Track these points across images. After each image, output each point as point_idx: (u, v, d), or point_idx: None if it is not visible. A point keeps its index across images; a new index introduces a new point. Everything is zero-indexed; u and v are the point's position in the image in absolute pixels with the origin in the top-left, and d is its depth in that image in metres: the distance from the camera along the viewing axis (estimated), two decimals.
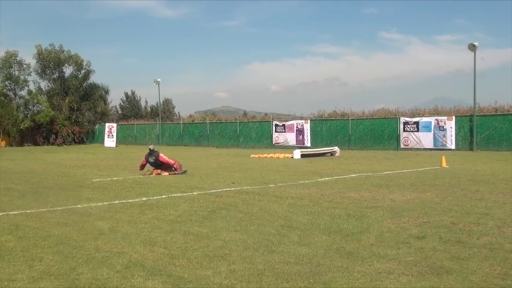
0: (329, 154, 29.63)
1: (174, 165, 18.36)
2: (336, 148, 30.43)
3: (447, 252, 6.62)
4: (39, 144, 52.65)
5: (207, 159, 28.10)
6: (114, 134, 50.84)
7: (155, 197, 12.34)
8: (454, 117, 32.64)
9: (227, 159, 27.84)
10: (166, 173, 18.00)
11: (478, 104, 33.23)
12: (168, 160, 18.41)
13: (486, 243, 7.07)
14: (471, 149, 31.38)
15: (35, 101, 54.37)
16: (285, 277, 5.66)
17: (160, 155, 18.30)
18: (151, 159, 18.41)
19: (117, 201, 11.74)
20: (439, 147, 32.09)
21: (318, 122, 40.26)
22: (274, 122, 42.19)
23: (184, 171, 18.37)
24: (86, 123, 57.29)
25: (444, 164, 20.13)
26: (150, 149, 18.82)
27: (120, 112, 73.05)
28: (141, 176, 17.74)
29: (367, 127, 37.19)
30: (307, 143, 39.10)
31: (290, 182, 15.35)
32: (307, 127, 39.64)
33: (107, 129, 51.60)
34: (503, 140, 30.95)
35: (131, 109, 73.30)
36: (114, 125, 52.10)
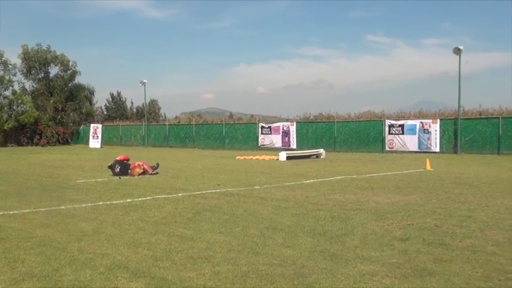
0: (315, 156, 29.72)
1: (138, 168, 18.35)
2: (321, 150, 30.52)
3: (430, 255, 6.66)
4: (23, 145, 52.13)
5: (193, 160, 28.04)
6: (99, 135, 50.53)
7: (140, 199, 12.29)
8: (438, 120, 32.88)
9: (212, 160, 27.80)
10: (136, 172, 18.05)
11: (462, 107, 33.52)
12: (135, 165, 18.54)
13: (469, 246, 7.13)
14: (455, 152, 31.61)
15: (19, 101, 53.77)
16: (269, 279, 5.66)
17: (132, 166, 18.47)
18: (117, 169, 18.43)
19: (101, 203, 11.67)
20: (424, 150, 32.29)
21: (304, 124, 40.33)
22: (260, 124, 42.19)
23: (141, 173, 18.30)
24: (71, 124, 56.86)
25: (428, 167, 20.26)
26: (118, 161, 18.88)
27: (105, 113, 72.66)
28: (125, 177, 17.64)
29: (353, 129, 37.33)
30: (293, 145, 39.15)
31: (275, 184, 15.37)
32: (293, 129, 39.70)
33: (91, 130, 51.25)
34: (487, 143, 31.23)
35: (117, 110, 72.93)
36: (99, 125, 51.78)
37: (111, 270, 6.06)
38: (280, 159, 27.42)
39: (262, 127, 41.77)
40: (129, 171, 18.18)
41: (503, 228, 8.33)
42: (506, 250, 6.84)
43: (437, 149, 32.26)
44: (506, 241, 7.38)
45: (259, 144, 41.45)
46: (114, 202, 11.77)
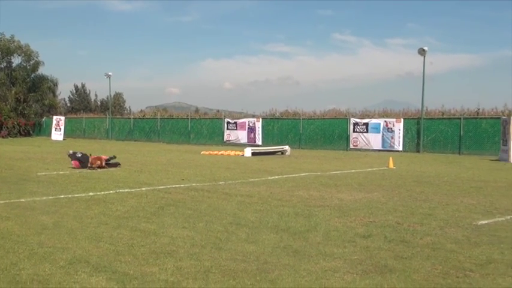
0: (280, 153, 29.81)
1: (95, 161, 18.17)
2: (286, 147, 30.65)
3: (391, 251, 6.75)
4: None
5: (157, 154, 27.83)
6: (62, 127, 49.65)
7: (102, 192, 12.13)
8: (402, 120, 33.36)
9: (177, 155, 27.64)
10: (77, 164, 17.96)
11: (425, 107, 34.15)
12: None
13: (429, 243, 7.25)
14: (418, 151, 32.13)
15: None
16: (232, 274, 5.65)
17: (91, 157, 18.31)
18: (79, 154, 18.32)
19: (62, 196, 11.48)
20: (387, 149, 32.72)
21: (269, 121, 40.43)
22: (226, 120, 42.13)
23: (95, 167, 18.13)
24: (33, 116, 55.75)
25: (391, 165, 20.54)
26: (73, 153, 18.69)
27: (69, 105, 71.63)
28: (88, 170, 17.41)
29: (318, 127, 37.58)
30: (259, 141, 39.21)
31: (240, 179, 15.36)
32: (258, 125, 39.74)
33: (54, 122, 50.32)
34: (448, 143, 31.83)
35: (80, 102, 71.97)
36: (62, 118, 50.89)
37: (72, 265, 5.97)
38: (245, 155, 27.42)
39: (228, 123, 41.70)
40: (89, 163, 17.95)
41: (462, 226, 8.50)
42: (465, 248, 6.98)
43: (401, 148, 32.72)
44: (465, 239, 7.53)
45: (225, 140, 41.39)
46: (76, 195, 11.60)
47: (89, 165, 17.94)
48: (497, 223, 8.83)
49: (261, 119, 40.19)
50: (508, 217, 9.40)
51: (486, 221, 8.96)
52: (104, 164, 18.22)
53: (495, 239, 7.55)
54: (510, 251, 6.81)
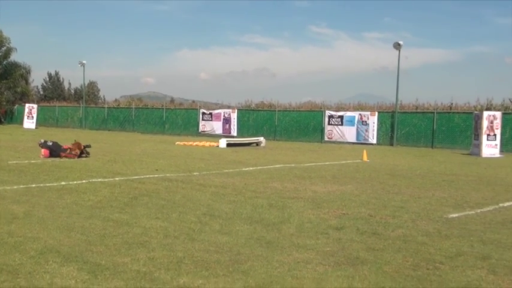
0: (255, 144, 29.84)
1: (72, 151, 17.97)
2: (261, 138, 30.69)
3: (363, 243, 6.81)
4: None
5: (131, 144, 27.61)
6: (35, 116, 48.92)
7: (75, 182, 12.00)
8: (376, 113, 33.66)
9: (152, 145, 27.47)
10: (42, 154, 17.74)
11: (400, 101, 34.46)
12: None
13: (400, 236, 7.33)
14: (391, 144, 32.44)
15: None
16: (204, 265, 5.65)
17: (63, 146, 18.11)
18: (50, 143, 18.12)
19: (34, 185, 11.33)
20: (361, 142, 32.98)
21: (245, 112, 40.40)
22: (201, 110, 41.98)
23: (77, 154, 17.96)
24: (5, 103, 54.85)
25: (365, 158, 20.70)
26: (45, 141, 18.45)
27: (42, 93, 70.66)
28: (61, 159, 17.19)
29: (293, 119, 37.69)
30: (234, 132, 39.18)
31: (214, 170, 15.34)
32: (234, 116, 39.69)
33: (26, 110, 49.54)
34: (422, 137, 32.21)
35: (54, 90, 71.04)
36: (35, 106, 50.12)
37: (42, 254, 5.90)
38: (220, 146, 27.39)
39: (203, 113, 41.57)
40: (62, 152, 17.73)
41: (433, 219, 8.61)
42: (435, 240, 7.07)
43: (375, 141, 33.01)
44: (435, 232, 7.63)
45: (200, 131, 41.27)
46: (47, 185, 11.45)
47: (68, 152, 17.72)
48: (467, 216, 8.97)
49: (236, 110, 40.15)
50: (478, 210, 9.55)
51: (457, 214, 9.10)
52: (82, 148, 18.04)
53: (465, 232, 7.67)
54: (479, 244, 6.92)
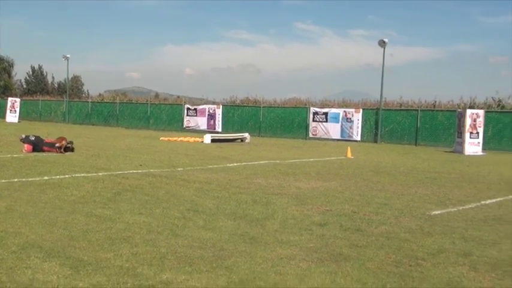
0: (239, 140, 29.82)
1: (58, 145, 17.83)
2: (246, 134, 30.68)
3: (346, 240, 6.84)
4: None
5: (115, 139, 27.46)
6: (17, 109, 48.46)
7: (58, 177, 11.91)
8: (361, 110, 33.80)
9: (136, 140, 27.34)
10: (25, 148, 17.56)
11: (384, 98, 34.61)
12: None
13: (383, 232, 7.37)
14: (375, 141, 32.61)
15: None
16: (188, 261, 5.63)
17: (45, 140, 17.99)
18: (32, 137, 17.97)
19: (16, 179, 11.21)
20: (346, 138, 33.11)
21: (230, 108, 40.39)
22: (186, 106, 41.88)
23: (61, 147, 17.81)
24: None
25: (349, 155, 20.78)
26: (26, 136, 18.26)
27: (25, 87, 70.04)
28: (44, 154, 17.05)
29: (278, 115, 37.74)
30: (218, 128, 39.14)
31: (199, 166, 15.31)
32: (219, 112, 39.65)
33: (9, 104, 49.01)
34: (405, 134, 32.42)
35: (37, 84, 70.48)
36: (18, 99, 49.68)
37: (24, 250, 5.85)
38: (204, 141, 27.33)
39: (188, 109, 41.47)
40: (45, 146, 17.60)
41: (416, 216, 8.67)
42: (418, 237, 7.12)
43: (359, 138, 33.16)
44: (418, 228, 7.69)
45: (184, 126, 41.18)
46: (30, 179, 11.35)
47: (56, 145, 17.57)
48: (449, 213, 9.05)
49: (221, 106, 40.12)
50: (460, 208, 9.64)
51: (439, 212, 9.17)
52: (66, 143, 17.91)
53: (447, 229, 7.73)
54: (461, 241, 6.98)
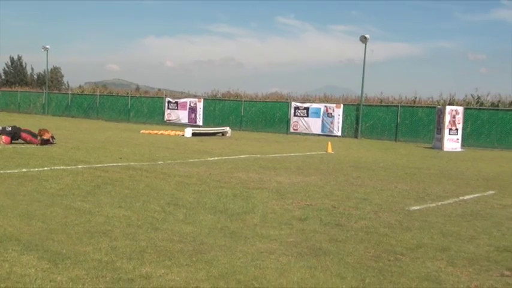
0: (220, 134, 29.79)
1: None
2: (227, 128, 30.64)
3: (326, 234, 6.87)
4: None
5: (95, 132, 27.26)
6: None
7: (36, 169, 11.78)
8: (342, 106, 33.92)
9: (116, 133, 27.16)
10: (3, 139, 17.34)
11: (365, 94, 34.79)
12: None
13: (363, 227, 7.42)
14: (356, 137, 32.77)
15: None
16: (167, 255, 5.62)
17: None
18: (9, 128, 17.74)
19: None
20: (327, 134, 33.22)
21: (211, 102, 40.28)
22: (167, 99, 41.68)
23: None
24: None
25: (330, 150, 20.86)
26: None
27: (3, 78, 69.18)
28: (22, 145, 16.85)
29: (260, 109, 37.71)
30: (199, 122, 39.03)
31: (179, 159, 15.25)
32: (200, 106, 39.53)
33: None
34: (386, 130, 32.61)
35: (16, 75, 69.63)
36: None
37: (1, 243, 5.78)
38: (185, 135, 27.25)
39: (169, 102, 41.28)
40: (38, 135, 17.42)
41: (395, 211, 8.74)
42: (397, 232, 7.18)
43: (339, 133, 33.29)
44: (397, 223, 7.75)
45: (165, 119, 40.99)
46: (8, 171, 11.21)
47: (38, 137, 17.38)
48: (428, 209, 9.13)
49: (202, 100, 39.98)
50: (439, 203, 9.73)
51: (418, 207, 9.25)
52: (50, 137, 17.72)
53: (426, 224, 7.81)
54: (439, 236, 7.06)
